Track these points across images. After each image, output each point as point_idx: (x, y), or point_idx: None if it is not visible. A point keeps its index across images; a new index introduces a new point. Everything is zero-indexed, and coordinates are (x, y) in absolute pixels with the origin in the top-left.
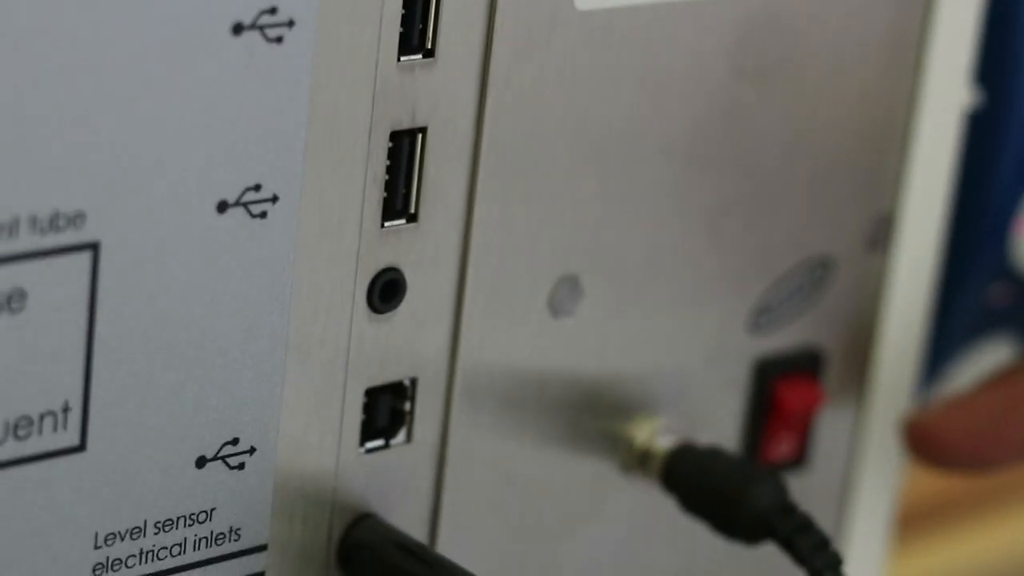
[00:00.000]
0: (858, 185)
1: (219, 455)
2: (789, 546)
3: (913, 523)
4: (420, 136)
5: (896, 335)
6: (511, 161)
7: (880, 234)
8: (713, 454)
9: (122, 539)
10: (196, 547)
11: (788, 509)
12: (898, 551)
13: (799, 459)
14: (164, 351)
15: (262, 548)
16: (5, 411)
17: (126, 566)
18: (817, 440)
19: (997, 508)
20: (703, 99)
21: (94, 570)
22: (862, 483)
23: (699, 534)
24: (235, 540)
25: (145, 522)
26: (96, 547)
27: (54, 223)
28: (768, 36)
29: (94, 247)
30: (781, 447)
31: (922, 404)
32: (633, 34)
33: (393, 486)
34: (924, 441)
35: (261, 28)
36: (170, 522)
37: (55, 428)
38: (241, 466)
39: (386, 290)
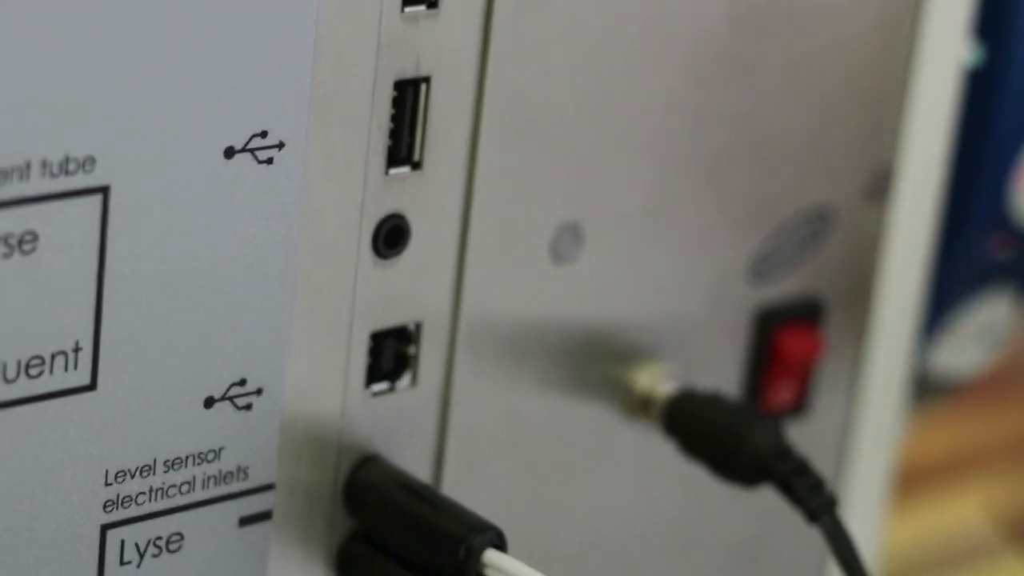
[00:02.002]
0: (857, 136)
1: (227, 395)
2: (786, 488)
3: (919, 480)
4: (424, 85)
5: (895, 285)
6: (514, 109)
7: (879, 185)
8: (713, 399)
9: (132, 476)
10: (204, 485)
11: (785, 452)
12: (905, 507)
13: (799, 407)
14: (172, 293)
15: (269, 487)
16: (17, 350)
17: (136, 503)
18: (817, 389)
19: (1004, 464)
20: (703, 50)
21: (104, 507)
22: (863, 432)
23: (700, 477)
24: (243, 479)
25: (154, 460)
26: (107, 484)
27: (65, 167)
28: None
29: (104, 191)
30: (781, 395)
31: (921, 354)
32: None
33: (398, 429)
34: None
35: None
36: (179, 460)
37: (66, 368)
38: (248, 406)
39: (391, 236)
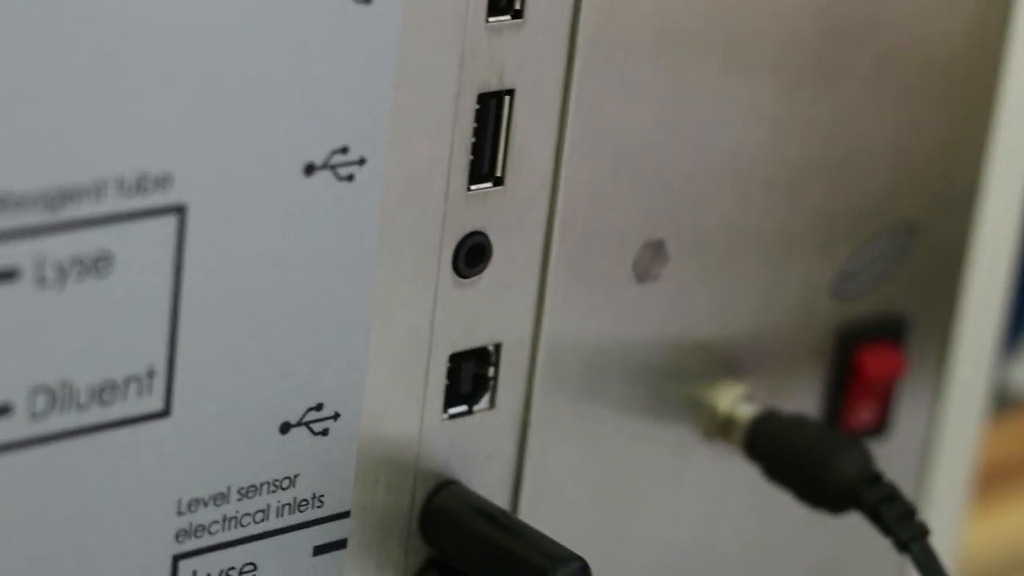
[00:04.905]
0: (944, 150)
1: (303, 421)
2: (875, 516)
3: (996, 482)
4: (508, 98)
5: (978, 302)
6: (598, 124)
7: (964, 200)
8: (797, 422)
9: (205, 505)
10: (279, 514)
11: (874, 478)
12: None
13: (880, 427)
14: (249, 316)
15: (345, 515)
16: (90, 376)
17: (209, 532)
18: (898, 408)
19: None
20: (790, 61)
21: (177, 536)
22: (942, 451)
23: (774, 499)
24: (318, 507)
25: (228, 488)
26: (179, 513)
27: (141, 185)
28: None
29: (180, 210)
30: (863, 414)
31: (1002, 371)
32: None
33: (476, 452)
34: None
35: None
36: (253, 488)
37: (140, 393)
38: (325, 432)
39: (472, 254)
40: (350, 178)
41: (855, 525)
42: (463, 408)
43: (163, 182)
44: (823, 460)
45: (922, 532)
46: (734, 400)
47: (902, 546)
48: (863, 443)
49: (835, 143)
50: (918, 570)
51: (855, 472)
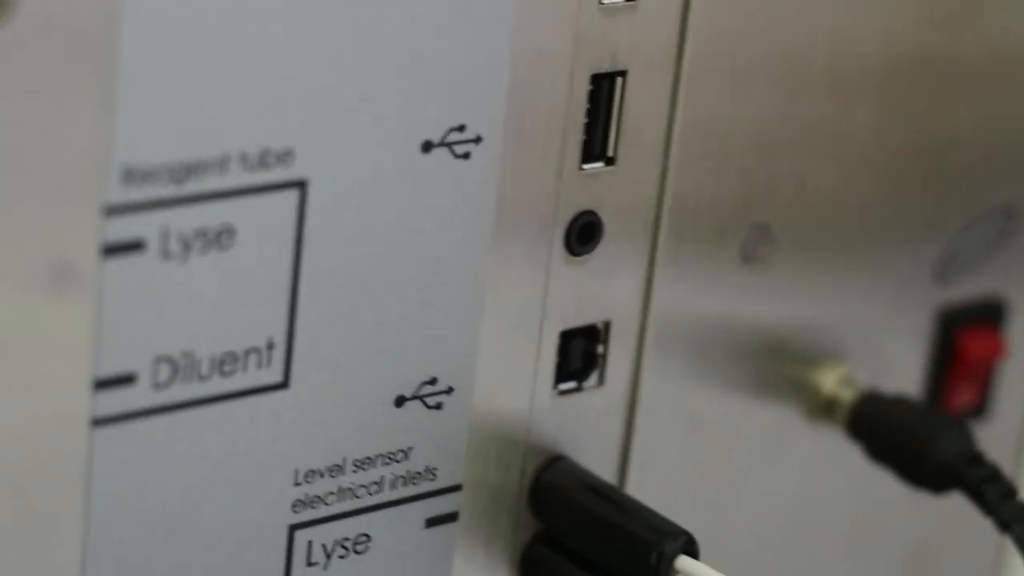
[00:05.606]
0: None
1: (417, 394)
2: (976, 495)
3: None
4: (620, 79)
5: None
6: (709, 106)
7: None
8: (900, 403)
9: (321, 476)
10: (393, 486)
11: (975, 458)
12: None
13: (980, 409)
14: (367, 290)
15: (457, 488)
16: (212, 347)
17: (324, 503)
18: (998, 390)
19: None
20: (894, 45)
21: (293, 507)
22: None
23: (873, 478)
24: (431, 480)
25: (344, 460)
26: (296, 484)
27: (263, 160)
28: None
29: (302, 184)
30: (963, 396)
31: None
32: None
33: (584, 428)
34: None
35: None
36: (368, 460)
37: (259, 365)
38: (439, 406)
39: (583, 233)
40: (466, 156)
41: (953, 505)
42: (572, 384)
43: (285, 157)
44: (925, 439)
45: (1023, 513)
46: (837, 381)
47: (1003, 526)
48: (965, 423)
49: (935, 127)
50: (1019, 549)
51: (957, 451)
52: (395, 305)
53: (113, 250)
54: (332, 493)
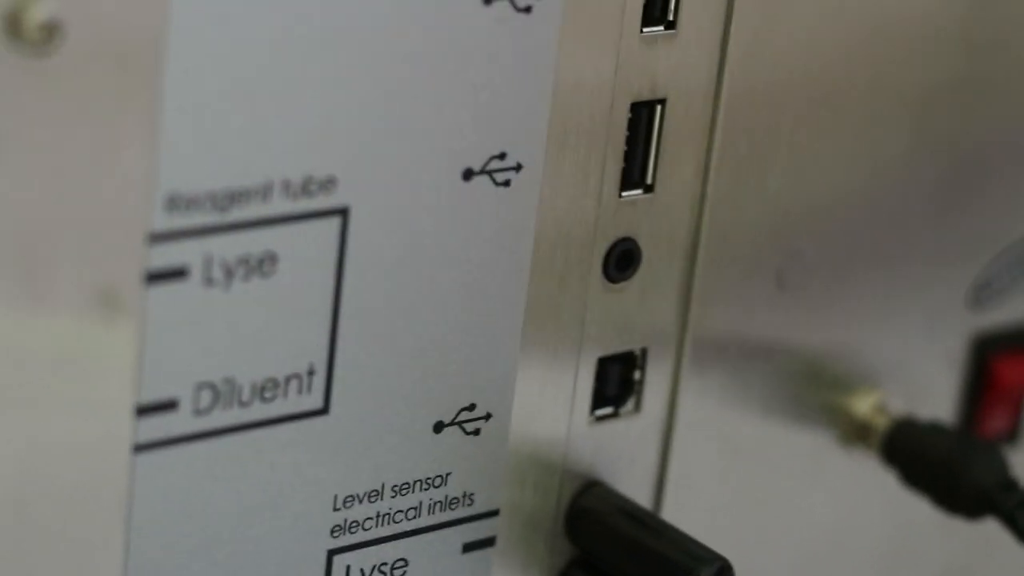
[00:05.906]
0: None
1: (456, 420)
2: (1010, 521)
3: None
4: (660, 107)
5: None
6: (747, 134)
7: None
8: (935, 429)
9: (360, 502)
10: (431, 511)
11: (1010, 485)
12: None
13: (1013, 434)
14: (407, 317)
15: (494, 513)
16: (253, 373)
17: (363, 528)
18: None
19: None
20: (931, 70)
21: (332, 532)
22: None
23: (908, 503)
24: (468, 505)
25: (383, 485)
26: (335, 509)
27: (306, 188)
28: (999, 8)
29: (344, 212)
30: (996, 422)
31: None
32: (867, 6)
33: (620, 454)
34: None
35: None
36: (407, 486)
37: (300, 391)
38: (477, 432)
39: (622, 260)
40: (507, 183)
41: (987, 531)
42: (609, 410)
43: (327, 185)
44: (960, 465)
45: None
46: (872, 407)
47: None
48: (999, 449)
49: (971, 153)
50: None
51: (992, 478)
52: (434, 332)
53: (157, 277)
54: (370, 518)
